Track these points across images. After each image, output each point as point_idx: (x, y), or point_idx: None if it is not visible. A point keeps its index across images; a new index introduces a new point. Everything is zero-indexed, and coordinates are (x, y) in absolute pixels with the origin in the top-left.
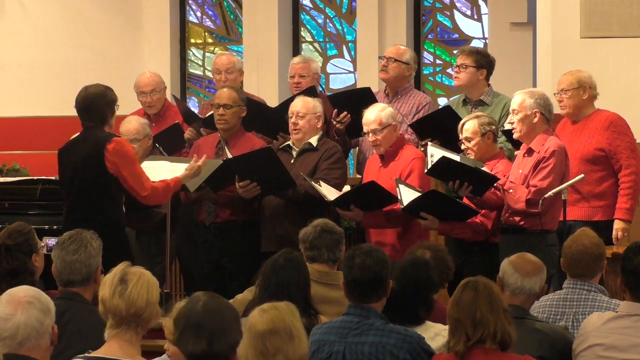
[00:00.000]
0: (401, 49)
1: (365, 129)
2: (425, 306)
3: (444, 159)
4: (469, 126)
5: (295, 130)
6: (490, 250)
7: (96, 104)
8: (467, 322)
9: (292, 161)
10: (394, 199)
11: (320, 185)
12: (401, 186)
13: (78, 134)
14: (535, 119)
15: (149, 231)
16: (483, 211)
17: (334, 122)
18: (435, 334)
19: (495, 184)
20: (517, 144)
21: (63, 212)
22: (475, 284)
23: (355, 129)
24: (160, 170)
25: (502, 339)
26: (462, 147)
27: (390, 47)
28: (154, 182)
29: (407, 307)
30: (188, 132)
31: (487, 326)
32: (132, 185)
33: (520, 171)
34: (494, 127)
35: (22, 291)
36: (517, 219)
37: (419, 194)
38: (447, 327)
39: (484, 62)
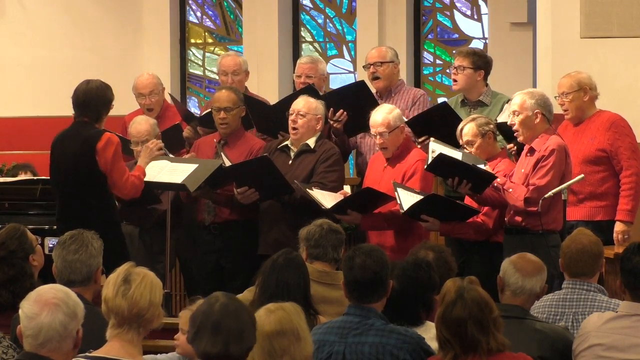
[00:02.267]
0: (382, 50)
1: (372, 131)
2: (425, 307)
3: (441, 156)
4: (467, 130)
5: (293, 129)
6: (491, 250)
7: (94, 102)
8: (455, 344)
9: (290, 162)
10: (390, 199)
11: (313, 191)
12: (399, 190)
13: (69, 127)
14: (537, 120)
15: (148, 227)
16: (484, 210)
17: (331, 122)
18: (435, 334)
19: (495, 184)
20: (511, 138)
21: (56, 210)
22: (463, 300)
23: (353, 126)
24: (161, 170)
25: (497, 350)
26: (465, 151)
27: (370, 52)
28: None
29: (408, 308)
30: (186, 131)
31: (478, 346)
32: (115, 182)
33: (523, 170)
34: (491, 126)
35: (52, 292)
36: (519, 219)
37: (419, 198)
38: None
39: (481, 63)
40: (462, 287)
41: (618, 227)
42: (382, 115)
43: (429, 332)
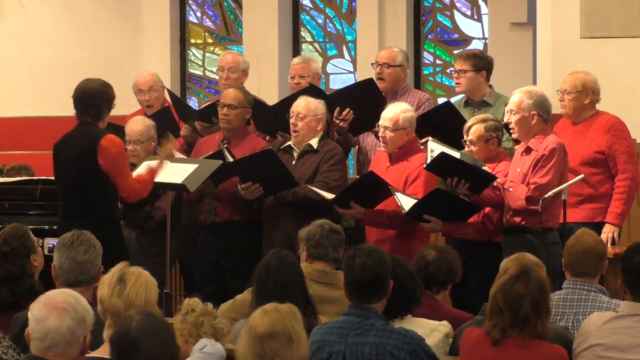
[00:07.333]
0: (393, 51)
1: (380, 122)
2: (401, 300)
3: (442, 155)
4: (474, 130)
5: (294, 132)
6: (492, 250)
7: (94, 99)
8: (507, 315)
9: (293, 163)
10: (392, 190)
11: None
12: (398, 194)
13: (73, 128)
14: (533, 121)
15: (151, 230)
16: (486, 211)
17: (337, 121)
18: (431, 329)
19: (495, 184)
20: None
21: (59, 209)
22: (528, 278)
23: (358, 125)
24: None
25: (539, 335)
26: (465, 148)
27: (382, 51)
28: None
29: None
30: (184, 130)
31: (527, 324)
32: (117, 184)
33: (519, 170)
34: (500, 132)
35: (61, 296)
36: (518, 219)
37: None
38: (441, 322)
39: (482, 64)
40: (528, 265)
41: (606, 229)
42: (394, 111)
43: (424, 328)
